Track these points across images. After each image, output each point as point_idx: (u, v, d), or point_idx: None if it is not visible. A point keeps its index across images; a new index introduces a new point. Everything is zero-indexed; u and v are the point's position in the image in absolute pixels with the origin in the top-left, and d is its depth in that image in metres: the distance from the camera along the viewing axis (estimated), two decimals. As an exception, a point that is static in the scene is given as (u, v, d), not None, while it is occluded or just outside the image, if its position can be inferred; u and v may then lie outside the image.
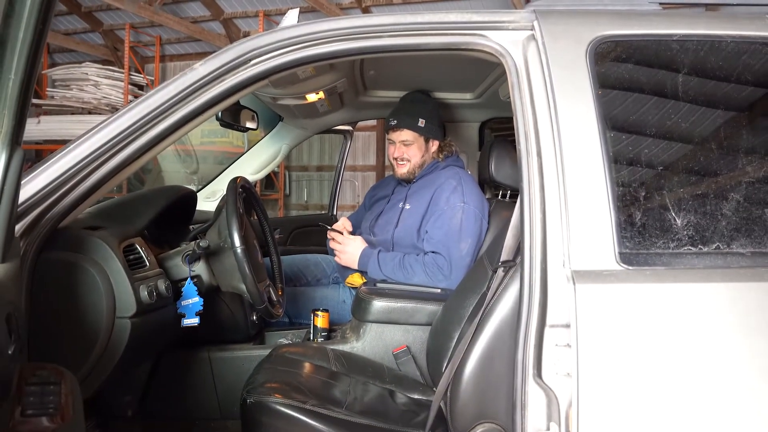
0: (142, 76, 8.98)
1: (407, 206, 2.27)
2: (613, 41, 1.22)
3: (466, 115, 2.86)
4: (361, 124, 3.37)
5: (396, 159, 2.33)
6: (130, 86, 8.57)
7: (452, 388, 1.32)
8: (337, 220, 2.47)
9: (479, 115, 2.87)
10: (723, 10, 1.37)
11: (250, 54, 1.28)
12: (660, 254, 1.10)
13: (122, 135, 1.24)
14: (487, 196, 2.58)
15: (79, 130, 6.48)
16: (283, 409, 1.44)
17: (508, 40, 1.25)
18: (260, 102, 2.55)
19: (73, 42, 9.02)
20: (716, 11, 1.34)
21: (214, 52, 1.31)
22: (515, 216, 1.35)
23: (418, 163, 2.30)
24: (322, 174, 9.74)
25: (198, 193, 2.47)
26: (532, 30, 1.24)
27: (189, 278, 1.70)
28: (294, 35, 1.28)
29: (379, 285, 2.08)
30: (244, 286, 1.70)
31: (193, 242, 1.73)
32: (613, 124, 1.16)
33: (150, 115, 1.25)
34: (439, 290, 2.02)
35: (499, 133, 4.16)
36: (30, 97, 0.90)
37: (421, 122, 2.26)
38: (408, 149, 2.29)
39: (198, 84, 1.27)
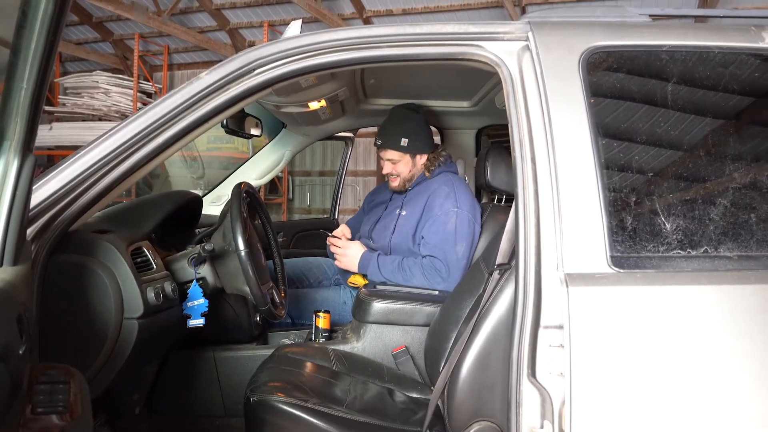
0: (150, 84, 9.01)
1: (403, 212, 2.31)
2: (605, 52, 1.24)
3: (463, 122, 2.90)
4: (362, 130, 3.39)
5: (387, 174, 2.38)
6: (139, 94, 8.59)
7: (449, 387, 1.34)
8: (338, 224, 2.50)
9: (476, 122, 2.91)
10: (711, 22, 1.40)
11: (254, 63, 1.30)
12: (650, 257, 1.13)
13: (131, 141, 1.27)
14: (483, 201, 2.62)
15: (89, 136, 6.52)
16: (285, 407, 1.46)
17: (503, 51, 1.28)
18: (264, 110, 2.59)
19: (84, 51, 9.07)
20: (705, 23, 1.36)
21: (221, 61, 1.33)
22: (510, 220, 1.38)
23: (407, 177, 2.35)
24: (325, 179, 9.76)
25: (203, 198, 2.49)
26: (526, 41, 1.27)
27: (194, 280, 1.72)
28: (297, 45, 1.31)
29: (378, 287, 2.12)
30: (248, 288, 1.72)
31: (198, 245, 1.75)
32: (604, 131, 1.19)
33: (157, 123, 1.28)
34: (437, 292, 2.06)
35: (496, 139, 4.18)
36: (41, 105, 0.92)
37: (404, 141, 2.29)
38: (395, 166, 2.33)
39: (204, 93, 1.29)
